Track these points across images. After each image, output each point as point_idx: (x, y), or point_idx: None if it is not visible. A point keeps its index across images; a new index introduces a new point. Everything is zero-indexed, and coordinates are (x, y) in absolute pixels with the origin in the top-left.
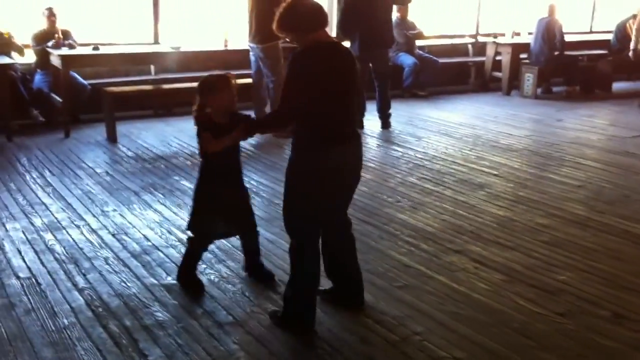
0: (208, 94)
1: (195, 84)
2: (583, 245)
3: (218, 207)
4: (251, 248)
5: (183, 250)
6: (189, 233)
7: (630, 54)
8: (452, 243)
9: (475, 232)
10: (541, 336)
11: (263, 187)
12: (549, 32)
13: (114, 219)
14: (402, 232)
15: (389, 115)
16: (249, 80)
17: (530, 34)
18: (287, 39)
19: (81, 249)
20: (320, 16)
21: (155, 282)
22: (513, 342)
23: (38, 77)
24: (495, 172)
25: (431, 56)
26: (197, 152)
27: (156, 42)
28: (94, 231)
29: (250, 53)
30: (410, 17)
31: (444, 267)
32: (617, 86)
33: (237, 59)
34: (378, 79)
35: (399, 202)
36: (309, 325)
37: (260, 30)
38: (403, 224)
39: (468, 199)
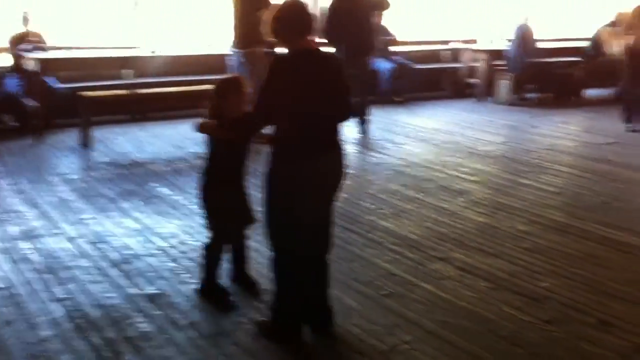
0: (220, 97)
1: (175, 89)
2: (564, 252)
3: (230, 207)
4: (242, 255)
5: (164, 259)
6: (204, 240)
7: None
8: (435, 250)
9: (458, 239)
10: (531, 344)
11: None
12: (525, 39)
13: (91, 227)
14: (386, 240)
15: (367, 121)
16: None
17: (509, 40)
18: (277, 45)
19: (59, 258)
20: (305, 23)
21: (138, 292)
22: (503, 351)
23: (11, 81)
24: (475, 179)
25: (407, 62)
26: (176, 157)
27: (135, 46)
28: (71, 239)
29: (231, 58)
30: (385, 23)
31: (429, 274)
32: (589, 93)
33: (218, 63)
34: (358, 87)
35: (381, 209)
36: (297, 335)
37: (243, 35)
38: (386, 232)
39: (449, 206)
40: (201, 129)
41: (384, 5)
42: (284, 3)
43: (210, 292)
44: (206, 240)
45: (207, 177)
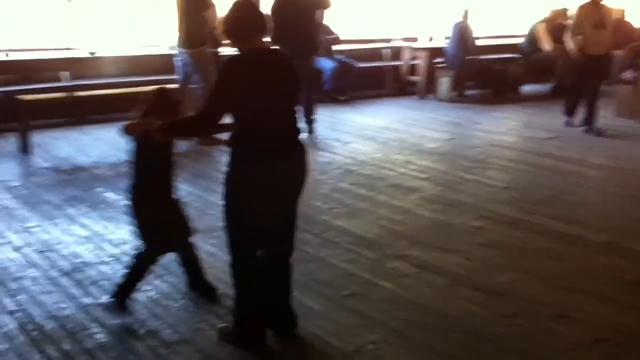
0: (151, 113)
1: (117, 90)
2: (518, 246)
3: (163, 221)
4: (192, 262)
5: (117, 266)
6: (135, 250)
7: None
8: (392, 248)
9: (414, 236)
10: (495, 339)
11: (195, 197)
12: (464, 36)
13: (38, 235)
14: (342, 240)
15: (314, 120)
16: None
17: (448, 38)
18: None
19: (7, 268)
20: (258, 22)
21: (92, 301)
22: (470, 346)
23: None
24: (425, 176)
25: (350, 60)
26: (120, 161)
27: (74, 47)
28: (18, 249)
29: (178, 58)
30: (327, 22)
31: (388, 273)
32: (526, 88)
33: (163, 63)
34: (303, 86)
35: (334, 209)
36: (261, 339)
37: (189, 35)
38: (342, 231)
39: (402, 204)
40: (131, 130)
41: (325, 4)
42: (235, 3)
43: (121, 305)
44: (139, 250)
45: (135, 190)
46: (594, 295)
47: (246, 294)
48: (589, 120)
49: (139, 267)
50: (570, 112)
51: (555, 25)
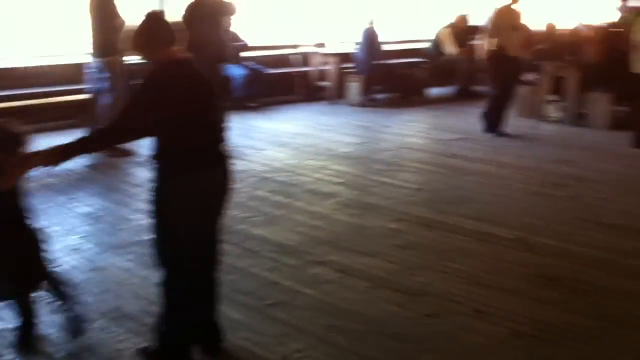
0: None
1: (21, 103)
2: (434, 246)
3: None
4: (29, 323)
5: None
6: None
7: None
8: (313, 255)
9: (333, 241)
10: (416, 339)
11: (105, 211)
12: (371, 41)
13: None
14: (263, 248)
15: (226, 128)
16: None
17: (356, 43)
18: (140, 56)
19: None
20: (168, 34)
21: (5, 326)
22: (392, 349)
23: None
24: (340, 181)
25: (259, 67)
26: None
27: None
28: None
29: (90, 67)
30: (235, 29)
31: (310, 280)
32: (432, 92)
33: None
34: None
35: (252, 217)
36: (188, 356)
37: (100, 44)
38: (262, 240)
39: (320, 209)
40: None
41: (231, 11)
42: (144, 16)
43: None
44: None
45: None
46: (508, 290)
47: (180, 310)
48: (497, 123)
49: None
50: (496, 123)
51: (459, 30)
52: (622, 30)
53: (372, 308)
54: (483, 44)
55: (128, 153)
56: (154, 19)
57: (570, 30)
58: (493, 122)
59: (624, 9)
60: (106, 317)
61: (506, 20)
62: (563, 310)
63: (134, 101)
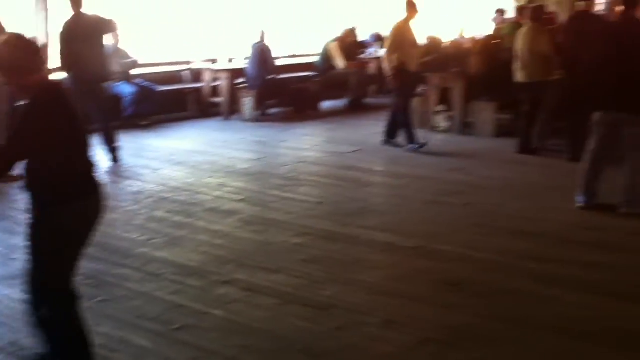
0: None
1: None
2: (338, 259)
3: None
4: None
5: None
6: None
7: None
8: (218, 275)
9: (238, 260)
10: (327, 353)
11: None
12: (262, 56)
13: None
14: (165, 271)
15: (117, 148)
16: None
17: (246, 59)
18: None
19: None
20: (36, 58)
21: None
22: None
23: None
24: (240, 197)
25: (149, 84)
26: None
27: None
28: None
29: None
30: (123, 46)
31: (217, 300)
32: (325, 105)
33: None
34: (98, 114)
35: (152, 240)
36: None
37: None
38: (163, 262)
39: (222, 228)
40: None
41: (111, 28)
42: (5, 41)
43: None
44: None
45: None
46: (413, 298)
47: (68, 343)
48: (393, 135)
49: None
50: (412, 136)
51: (347, 43)
52: (499, 41)
53: (282, 325)
54: (386, 61)
55: (14, 178)
56: (16, 43)
57: (451, 42)
58: (410, 134)
59: (499, 21)
60: (2, 352)
61: (405, 36)
62: (469, 315)
63: (20, 128)
